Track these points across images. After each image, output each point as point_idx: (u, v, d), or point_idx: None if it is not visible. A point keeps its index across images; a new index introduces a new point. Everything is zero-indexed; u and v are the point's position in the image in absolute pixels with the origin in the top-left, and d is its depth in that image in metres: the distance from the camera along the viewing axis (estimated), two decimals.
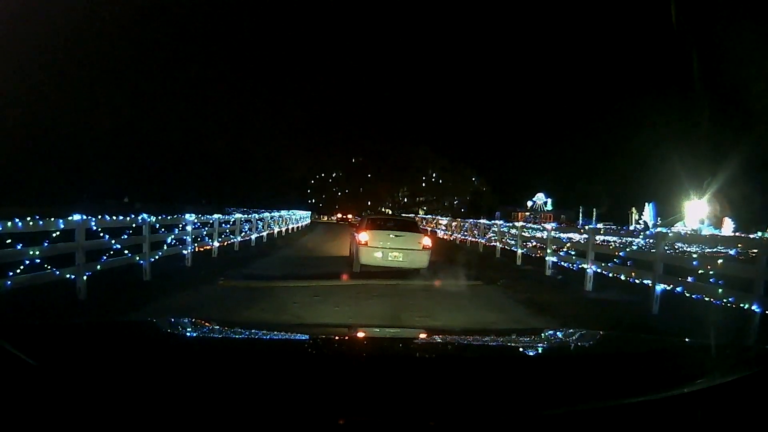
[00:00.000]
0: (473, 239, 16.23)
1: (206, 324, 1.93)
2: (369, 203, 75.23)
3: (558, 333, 2.36)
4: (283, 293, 6.62)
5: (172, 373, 1.10)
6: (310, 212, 35.60)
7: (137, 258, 7.21)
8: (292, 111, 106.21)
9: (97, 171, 52.82)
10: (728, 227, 55.75)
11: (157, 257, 7.79)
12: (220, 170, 64.89)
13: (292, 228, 23.22)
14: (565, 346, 1.97)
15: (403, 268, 8.63)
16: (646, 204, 70.34)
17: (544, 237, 10.25)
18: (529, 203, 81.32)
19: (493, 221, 16.45)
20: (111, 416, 0.91)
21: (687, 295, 5.80)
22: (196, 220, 9.86)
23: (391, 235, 8.84)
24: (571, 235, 10.74)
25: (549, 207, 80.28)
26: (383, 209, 68.77)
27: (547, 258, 9.45)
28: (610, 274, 7.34)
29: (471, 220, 18.80)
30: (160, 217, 8.22)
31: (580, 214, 74.21)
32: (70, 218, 5.91)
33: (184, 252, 9.13)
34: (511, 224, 14.39)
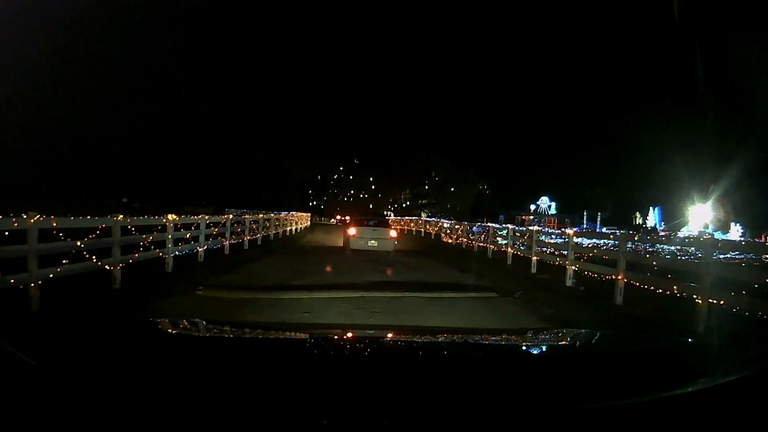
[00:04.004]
0: (481, 244, 15.32)
1: (204, 324, 1.95)
2: (371, 206, 74.02)
3: (557, 333, 2.27)
4: (269, 307, 5.73)
5: (169, 373, 1.08)
6: (309, 214, 35.30)
7: (105, 263, 6.31)
8: (294, 113, 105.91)
9: (97, 171, 52.31)
10: (735, 232, 54.97)
11: (130, 262, 6.90)
12: (222, 171, 64.11)
13: (290, 230, 22.43)
14: (564, 346, 1.92)
15: (378, 250, 12.47)
16: (651, 208, 69.81)
17: (562, 243, 9.38)
18: (533, 207, 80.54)
19: (504, 225, 15.66)
20: (110, 416, 0.90)
21: (734, 309, 4.96)
22: (179, 221, 8.96)
23: (370, 230, 12.94)
24: (583, 239, 9.88)
25: (553, 211, 79.52)
26: (385, 212, 67.75)
27: (568, 266, 8.50)
28: (646, 286, 6.42)
29: (478, 224, 18.04)
30: (134, 218, 7.32)
31: (585, 218, 73.51)
32: (19, 216, 5.08)
33: (165, 256, 8.23)
34: (524, 228, 13.44)
